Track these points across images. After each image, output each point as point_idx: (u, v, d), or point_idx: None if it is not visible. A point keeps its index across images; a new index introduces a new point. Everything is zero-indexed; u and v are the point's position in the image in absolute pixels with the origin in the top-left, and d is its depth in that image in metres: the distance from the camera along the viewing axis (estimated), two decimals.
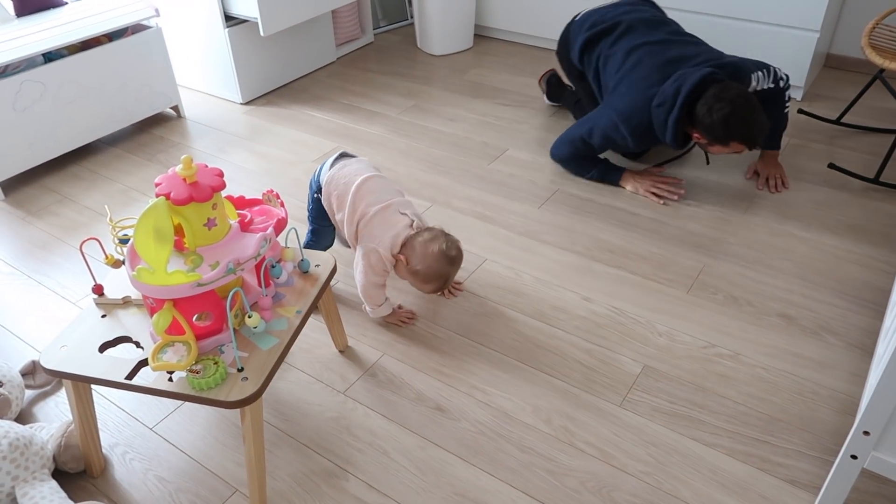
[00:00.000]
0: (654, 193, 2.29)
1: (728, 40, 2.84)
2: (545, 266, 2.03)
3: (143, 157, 2.66)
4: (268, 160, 2.62)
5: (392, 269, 1.75)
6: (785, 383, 1.64)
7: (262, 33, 2.77)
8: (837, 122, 2.64)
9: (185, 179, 1.27)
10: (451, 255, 1.69)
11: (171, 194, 1.25)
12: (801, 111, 2.65)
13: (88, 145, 2.71)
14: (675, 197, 2.28)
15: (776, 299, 1.88)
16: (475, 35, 3.59)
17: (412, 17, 3.81)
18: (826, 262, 2.01)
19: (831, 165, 2.35)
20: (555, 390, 1.64)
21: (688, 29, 2.44)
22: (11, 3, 2.51)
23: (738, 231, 2.15)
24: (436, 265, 1.67)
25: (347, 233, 1.76)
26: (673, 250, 2.08)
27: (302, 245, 1.57)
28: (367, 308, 1.80)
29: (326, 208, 1.80)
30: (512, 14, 3.45)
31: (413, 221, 1.74)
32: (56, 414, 1.64)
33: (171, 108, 2.92)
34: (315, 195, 1.83)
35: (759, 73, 2.17)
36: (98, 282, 1.45)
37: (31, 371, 1.68)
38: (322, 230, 1.91)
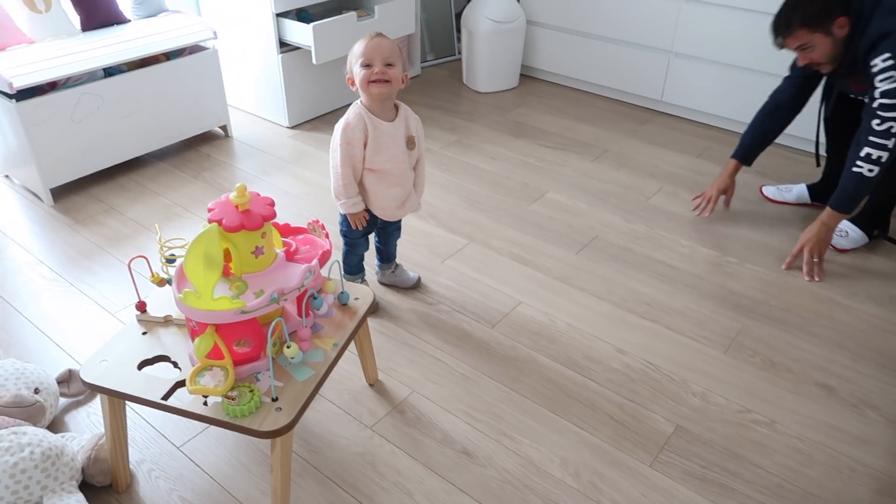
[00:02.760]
0: (706, 198, 2.42)
1: None
2: (580, 314, 2.02)
3: (188, 173, 2.72)
4: (309, 185, 2.66)
5: (363, 114, 1.73)
6: (822, 457, 1.59)
7: (314, 61, 2.83)
8: None
9: (237, 207, 1.29)
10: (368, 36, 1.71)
11: (224, 221, 1.27)
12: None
13: (137, 158, 2.77)
14: (707, 213, 2.42)
15: (816, 367, 1.84)
16: (521, 75, 3.62)
17: (460, 53, 3.87)
18: (869, 332, 1.96)
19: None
20: (584, 443, 1.61)
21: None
22: (79, 17, 2.60)
23: (779, 293, 2.11)
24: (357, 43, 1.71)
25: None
26: (711, 308, 2.05)
27: (341, 261, 1.58)
28: (339, 201, 1.81)
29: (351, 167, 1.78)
30: (558, 57, 3.48)
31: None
32: (87, 424, 1.65)
33: (220, 127, 2.99)
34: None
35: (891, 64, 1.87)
36: (142, 298, 1.47)
37: (67, 379, 1.70)
38: (356, 242, 1.96)
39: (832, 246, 2.29)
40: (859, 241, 2.29)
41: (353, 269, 2.02)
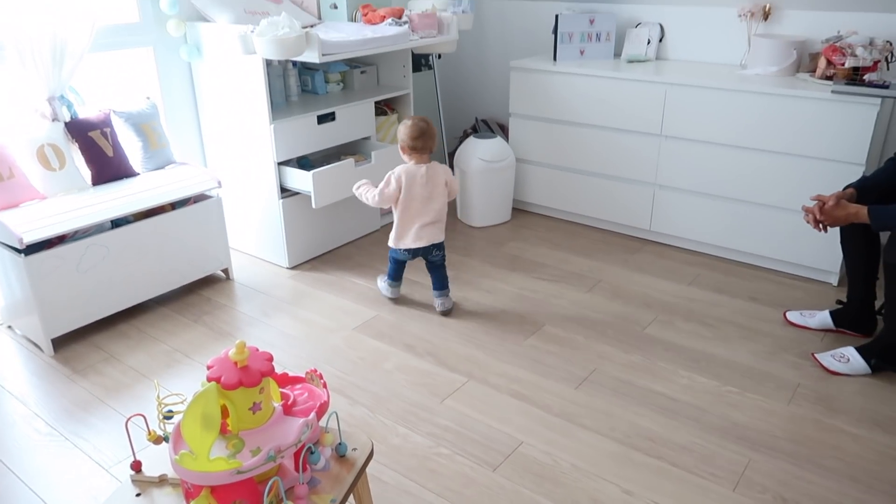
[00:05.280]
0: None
1: (763, 226, 2.94)
2: (583, 452, 1.98)
3: (189, 318, 2.75)
4: (308, 326, 2.68)
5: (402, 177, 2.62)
6: None
7: (313, 206, 2.95)
8: (881, 312, 2.62)
9: (236, 363, 1.31)
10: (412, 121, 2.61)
11: (222, 378, 1.28)
12: (839, 302, 2.65)
13: (139, 304, 2.81)
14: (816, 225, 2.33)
15: (829, 502, 1.79)
16: (513, 209, 3.76)
17: None
18: (879, 462, 1.92)
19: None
20: None
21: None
22: (90, 173, 2.74)
23: (783, 423, 2.08)
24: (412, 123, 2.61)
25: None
26: (716, 441, 2.01)
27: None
28: (370, 198, 2.68)
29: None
30: (548, 191, 3.62)
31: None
32: None
33: (222, 270, 3.06)
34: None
35: None
36: (137, 456, 1.45)
37: None
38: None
39: (824, 367, 2.32)
40: (859, 369, 2.30)
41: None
